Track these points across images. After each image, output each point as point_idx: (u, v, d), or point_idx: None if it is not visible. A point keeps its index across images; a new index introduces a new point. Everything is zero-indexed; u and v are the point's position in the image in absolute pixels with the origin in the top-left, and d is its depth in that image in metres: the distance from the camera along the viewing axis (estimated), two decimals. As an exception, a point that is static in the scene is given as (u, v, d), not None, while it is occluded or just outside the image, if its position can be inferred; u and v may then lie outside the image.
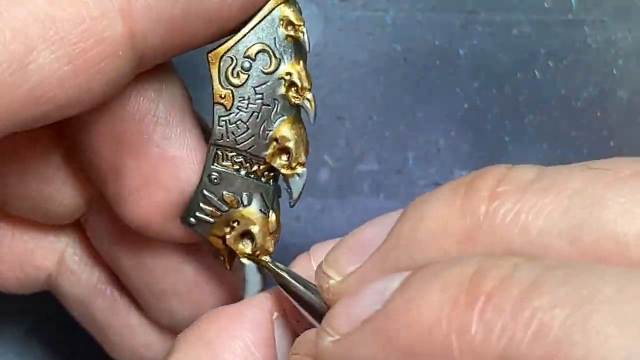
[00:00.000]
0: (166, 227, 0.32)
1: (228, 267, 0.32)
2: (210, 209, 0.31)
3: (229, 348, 0.28)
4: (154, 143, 0.30)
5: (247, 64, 0.30)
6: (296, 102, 0.30)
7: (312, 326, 0.27)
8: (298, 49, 0.30)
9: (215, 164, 0.31)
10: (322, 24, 0.45)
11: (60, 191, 0.33)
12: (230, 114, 0.30)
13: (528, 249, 0.22)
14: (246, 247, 0.31)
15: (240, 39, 0.30)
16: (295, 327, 0.29)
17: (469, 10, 0.44)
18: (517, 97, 0.45)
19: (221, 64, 0.30)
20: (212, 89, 0.30)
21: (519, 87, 0.45)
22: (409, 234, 0.23)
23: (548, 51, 0.45)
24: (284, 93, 0.30)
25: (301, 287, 0.28)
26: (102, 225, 0.35)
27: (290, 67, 0.30)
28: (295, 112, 0.30)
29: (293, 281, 0.28)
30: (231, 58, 0.30)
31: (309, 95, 0.30)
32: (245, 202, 0.31)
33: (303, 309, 0.28)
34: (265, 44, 0.30)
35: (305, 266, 0.29)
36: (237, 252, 0.31)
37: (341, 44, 0.45)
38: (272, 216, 0.31)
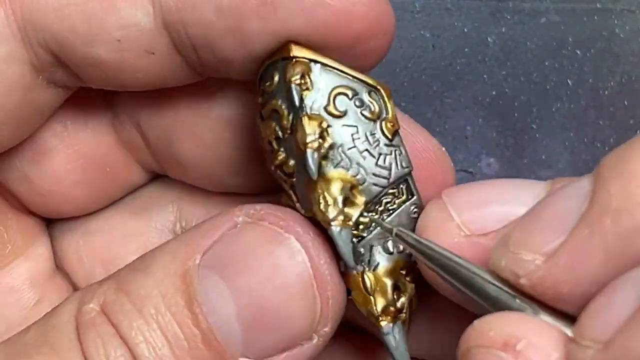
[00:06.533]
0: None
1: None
2: None
3: None
4: None
5: None
6: None
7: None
8: None
9: None
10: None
11: None
12: None
13: None
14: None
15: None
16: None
17: (498, -2, 0.45)
18: (545, 84, 0.45)
19: None
20: None
21: (547, 75, 0.45)
22: (622, 194, 0.20)
23: (576, 40, 0.45)
24: None
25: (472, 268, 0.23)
26: None
27: None
28: None
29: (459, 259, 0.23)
30: None
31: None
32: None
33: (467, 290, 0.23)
34: None
35: (440, 214, 0.25)
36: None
37: (369, 30, 0.45)
38: None
